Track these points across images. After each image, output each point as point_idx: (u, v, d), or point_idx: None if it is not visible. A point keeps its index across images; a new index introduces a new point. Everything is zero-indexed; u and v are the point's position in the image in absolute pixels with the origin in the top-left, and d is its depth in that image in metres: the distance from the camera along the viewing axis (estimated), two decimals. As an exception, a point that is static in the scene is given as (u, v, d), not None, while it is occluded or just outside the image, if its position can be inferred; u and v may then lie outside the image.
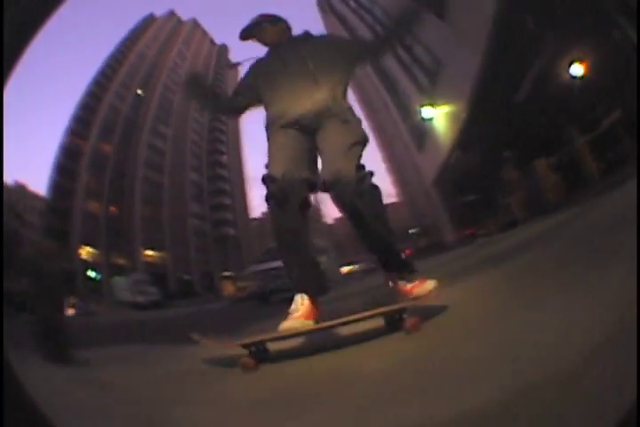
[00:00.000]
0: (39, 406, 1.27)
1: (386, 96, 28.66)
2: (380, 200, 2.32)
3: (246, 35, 2.61)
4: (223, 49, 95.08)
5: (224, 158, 66.98)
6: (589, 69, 9.07)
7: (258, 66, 2.65)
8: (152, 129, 57.69)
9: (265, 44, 2.63)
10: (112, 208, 53.18)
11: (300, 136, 2.33)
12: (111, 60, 65.83)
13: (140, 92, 61.41)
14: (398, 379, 1.41)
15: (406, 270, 2.24)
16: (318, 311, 2.10)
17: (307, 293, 2.11)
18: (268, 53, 2.64)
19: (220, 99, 2.86)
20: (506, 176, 13.13)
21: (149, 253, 48.40)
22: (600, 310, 1.45)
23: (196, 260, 54.70)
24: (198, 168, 62.78)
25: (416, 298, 2.07)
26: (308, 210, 2.33)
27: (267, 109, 2.49)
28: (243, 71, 2.80)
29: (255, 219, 69.76)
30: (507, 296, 2.31)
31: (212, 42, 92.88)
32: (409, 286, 2.16)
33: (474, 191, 14.03)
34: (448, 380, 1.27)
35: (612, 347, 1.17)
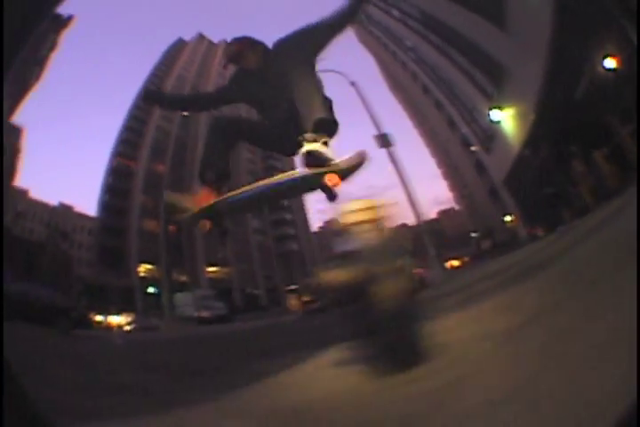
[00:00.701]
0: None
1: (442, 102, 30.28)
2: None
3: (227, 63, 2.68)
4: None
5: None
6: (621, 63, 10.26)
7: (240, 84, 2.74)
8: (205, 146, 60.34)
9: (247, 69, 2.66)
10: (171, 226, 55.59)
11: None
12: (150, 85, 67.91)
13: (185, 113, 64.32)
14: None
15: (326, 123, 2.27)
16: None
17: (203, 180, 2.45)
18: (248, 75, 2.68)
19: (180, 97, 2.99)
20: (574, 168, 14.41)
21: (212, 269, 51.12)
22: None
23: (261, 275, 58.07)
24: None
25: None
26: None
27: None
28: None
29: (315, 232, 71.86)
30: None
31: None
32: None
33: (548, 185, 15.28)
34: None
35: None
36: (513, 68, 14.41)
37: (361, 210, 3.45)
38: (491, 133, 19.12)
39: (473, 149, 30.54)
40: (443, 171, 60.04)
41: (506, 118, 15.55)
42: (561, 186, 14.86)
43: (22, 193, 56.96)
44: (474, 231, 49.67)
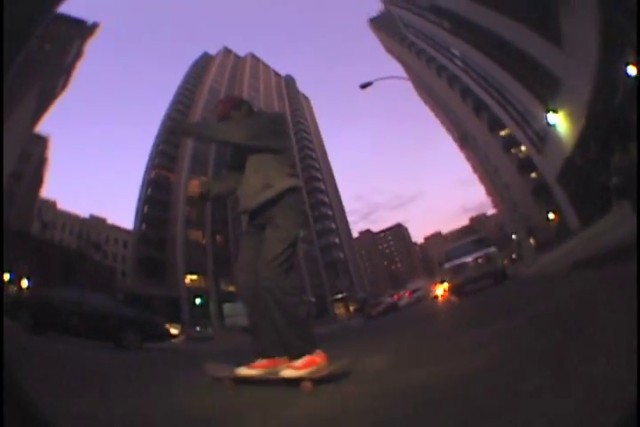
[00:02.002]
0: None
1: (486, 106, 33.41)
2: (290, 303, 2.66)
3: (218, 120, 3.11)
4: (290, 79, 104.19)
5: (321, 184, 73.08)
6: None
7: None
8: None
9: None
10: (218, 237, 59.93)
11: (251, 238, 3.00)
12: (181, 97, 75.23)
13: None
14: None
15: (297, 353, 2.62)
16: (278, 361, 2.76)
17: (267, 356, 2.79)
18: None
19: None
20: (621, 164, 17.16)
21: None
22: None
23: (310, 283, 60.68)
24: None
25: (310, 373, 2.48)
26: None
27: None
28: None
29: (357, 238, 74.94)
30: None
31: (275, 73, 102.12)
32: (300, 362, 2.55)
33: (602, 179, 18.03)
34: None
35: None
36: (565, 79, 17.47)
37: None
38: (543, 135, 22.20)
39: (517, 150, 33.61)
40: (479, 175, 62.72)
41: (560, 121, 18.56)
42: (609, 180, 17.62)
43: (50, 204, 60.48)
44: (514, 233, 51.84)
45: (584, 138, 17.72)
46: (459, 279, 13.51)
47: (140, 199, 62.68)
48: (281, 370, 2.60)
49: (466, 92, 41.26)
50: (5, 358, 1.42)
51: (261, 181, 2.82)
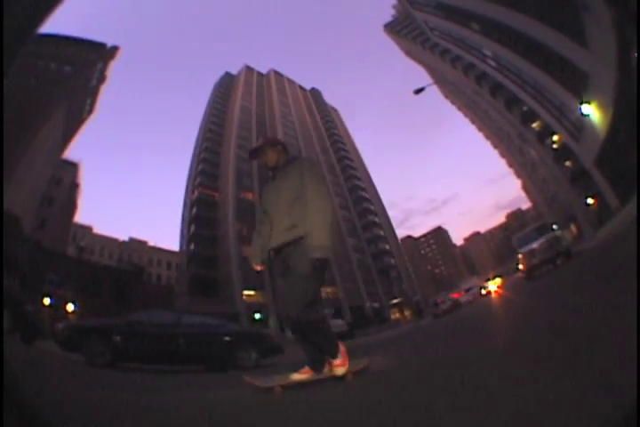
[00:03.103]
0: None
1: (521, 102, 36.02)
2: (321, 328, 3.31)
3: (251, 158, 3.72)
4: (316, 92, 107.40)
5: (365, 193, 75.66)
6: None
7: (263, 189, 3.69)
8: (292, 173, 64.81)
9: (265, 165, 3.66)
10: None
11: (277, 268, 3.42)
12: (213, 117, 77.07)
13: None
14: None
15: (331, 356, 3.31)
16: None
17: (314, 369, 3.38)
18: (268, 177, 3.69)
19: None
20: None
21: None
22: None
23: (366, 291, 62.38)
24: (345, 206, 71.21)
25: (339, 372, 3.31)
26: None
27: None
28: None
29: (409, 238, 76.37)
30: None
31: (300, 87, 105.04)
32: (336, 361, 3.29)
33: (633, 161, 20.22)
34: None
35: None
36: (592, 73, 19.97)
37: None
38: (579, 125, 24.69)
39: (551, 141, 35.88)
40: (514, 170, 64.63)
41: (593, 111, 20.97)
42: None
43: (85, 229, 61.60)
44: (545, 225, 52.50)
45: (615, 124, 20.03)
46: (529, 264, 15.84)
47: (184, 219, 63.76)
48: (326, 372, 3.34)
49: (495, 89, 43.65)
50: (7, 359, 1.44)
51: (288, 220, 3.22)
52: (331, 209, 3.21)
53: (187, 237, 59.95)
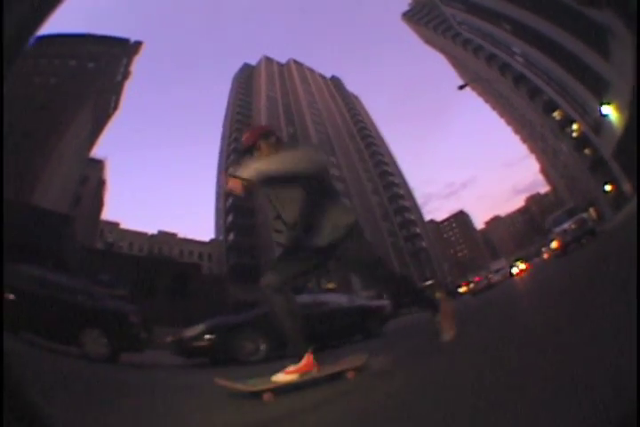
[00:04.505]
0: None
1: (541, 92, 39.99)
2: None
3: (245, 153, 3.27)
4: (336, 80, 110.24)
5: (394, 178, 79.13)
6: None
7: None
8: (324, 161, 67.60)
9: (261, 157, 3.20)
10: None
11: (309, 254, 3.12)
12: (239, 108, 79.35)
13: (291, 130, 72.19)
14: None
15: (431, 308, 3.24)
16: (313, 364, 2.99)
17: (296, 356, 2.97)
18: None
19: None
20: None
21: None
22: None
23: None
24: (376, 191, 74.92)
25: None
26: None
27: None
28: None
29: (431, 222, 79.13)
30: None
31: (321, 76, 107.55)
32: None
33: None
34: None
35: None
36: (613, 82, 23.70)
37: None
38: (599, 122, 28.58)
39: (571, 129, 39.61)
40: (536, 155, 68.02)
41: (612, 112, 24.66)
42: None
43: (112, 224, 64.57)
44: (574, 208, 55.57)
45: (631, 126, 23.78)
46: (563, 242, 19.08)
47: (218, 210, 66.86)
48: (316, 371, 2.95)
49: (519, 79, 46.91)
50: (7, 359, 1.40)
51: (326, 218, 3.02)
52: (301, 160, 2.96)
53: (223, 228, 62.17)
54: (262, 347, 7.81)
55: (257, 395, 2.71)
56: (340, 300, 10.65)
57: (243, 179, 2.77)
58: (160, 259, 46.94)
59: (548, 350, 2.01)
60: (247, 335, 7.89)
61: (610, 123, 25.90)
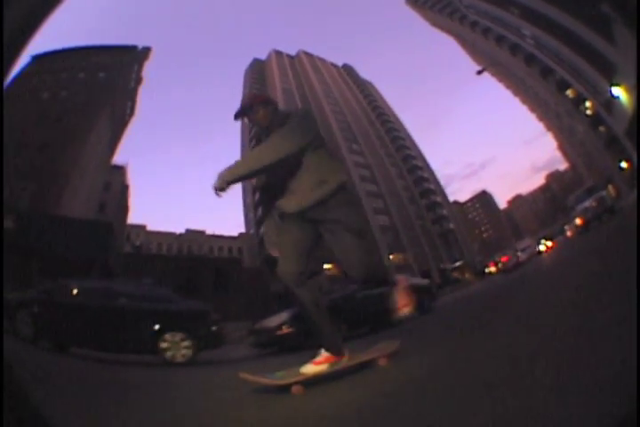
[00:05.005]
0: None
1: (552, 71, 40.87)
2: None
3: (239, 116, 3.09)
4: (348, 67, 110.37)
5: (417, 162, 79.96)
6: None
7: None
8: (348, 148, 68.94)
9: (255, 126, 3.16)
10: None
11: (301, 229, 2.96)
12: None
13: None
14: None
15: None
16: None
17: (331, 352, 2.91)
18: (259, 139, 3.13)
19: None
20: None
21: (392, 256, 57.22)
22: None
23: (431, 256, 65.89)
24: (401, 175, 75.45)
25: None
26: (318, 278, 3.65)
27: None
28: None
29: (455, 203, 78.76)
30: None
31: (333, 65, 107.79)
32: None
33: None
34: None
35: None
36: (620, 66, 24.56)
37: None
38: (609, 101, 29.43)
39: (585, 107, 40.23)
40: (552, 133, 68.17)
41: (621, 93, 25.51)
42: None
43: (138, 228, 65.11)
44: (594, 187, 55.41)
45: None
46: (585, 219, 20.15)
47: (246, 205, 68.31)
48: (346, 360, 2.93)
49: (530, 59, 47.13)
50: (7, 359, 1.42)
51: (315, 177, 2.86)
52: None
53: (253, 221, 63.07)
54: (343, 327, 8.10)
55: (285, 389, 2.64)
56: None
57: (220, 188, 2.73)
58: (199, 257, 46.99)
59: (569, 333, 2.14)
60: (334, 316, 8.00)
61: (621, 103, 26.73)
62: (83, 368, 5.90)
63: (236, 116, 3.09)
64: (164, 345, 7.50)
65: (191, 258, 42.23)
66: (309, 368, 2.84)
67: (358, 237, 2.88)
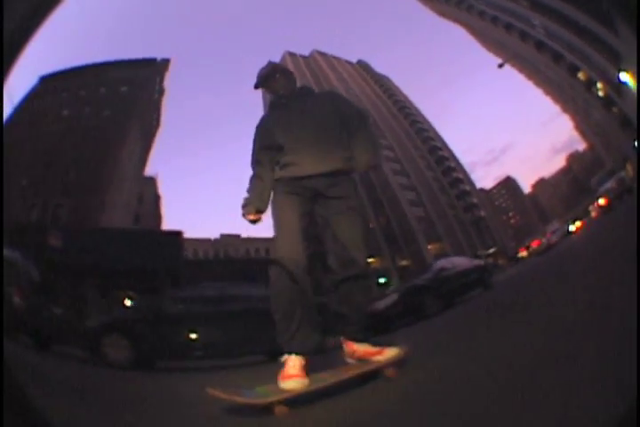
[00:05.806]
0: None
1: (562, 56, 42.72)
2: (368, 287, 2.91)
3: (260, 84, 3.03)
4: (364, 64, 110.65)
5: (443, 152, 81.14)
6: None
7: (271, 119, 3.00)
8: (378, 143, 69.18)
9: (275, 94, 3.05)
10: (380, 218, 62.19)
11: (302, 204, 2.74)
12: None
13: None
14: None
15: (362, 338, 2.66)
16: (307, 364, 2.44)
17: (302, 353, 2.45)
18: (278, 106, 3.03)
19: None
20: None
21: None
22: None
23: (466, 244, 65.43)
24: (429, 166, 76.15)
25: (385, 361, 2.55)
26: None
27: (280, 161, 2.81)
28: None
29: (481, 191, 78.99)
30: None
31: (348, 62, 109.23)
32: (373, 349, 2.62)
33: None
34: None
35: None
36: (624, 52, 26.26)
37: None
38: (619, 86, 31.14)
39: (596, 89, 41.64)
40: (568, 115, 69.12)
41: (629, 80, 27.08)
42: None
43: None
44: (613, 169, 55.13)
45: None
46: (608, 200, 21.68)
47: None
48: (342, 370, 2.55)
49: (540, 45, 48.52)
50: (8, 359, 1.39)
51: (341, 150, 2.78)
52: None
53: None
54: (435, 303, 9.18)
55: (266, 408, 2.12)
56: (464, 262, 13.00)
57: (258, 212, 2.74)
58: (252, 259, 47.81)
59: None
60: (431, 293, 9.56)
61: (629, 88, 28.28)
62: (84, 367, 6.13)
63: (257, 85, 3.06)
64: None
65: (244, 261, 42.93)
66: (291, 383, 2.29)
67: (362, 218, 2.84)
